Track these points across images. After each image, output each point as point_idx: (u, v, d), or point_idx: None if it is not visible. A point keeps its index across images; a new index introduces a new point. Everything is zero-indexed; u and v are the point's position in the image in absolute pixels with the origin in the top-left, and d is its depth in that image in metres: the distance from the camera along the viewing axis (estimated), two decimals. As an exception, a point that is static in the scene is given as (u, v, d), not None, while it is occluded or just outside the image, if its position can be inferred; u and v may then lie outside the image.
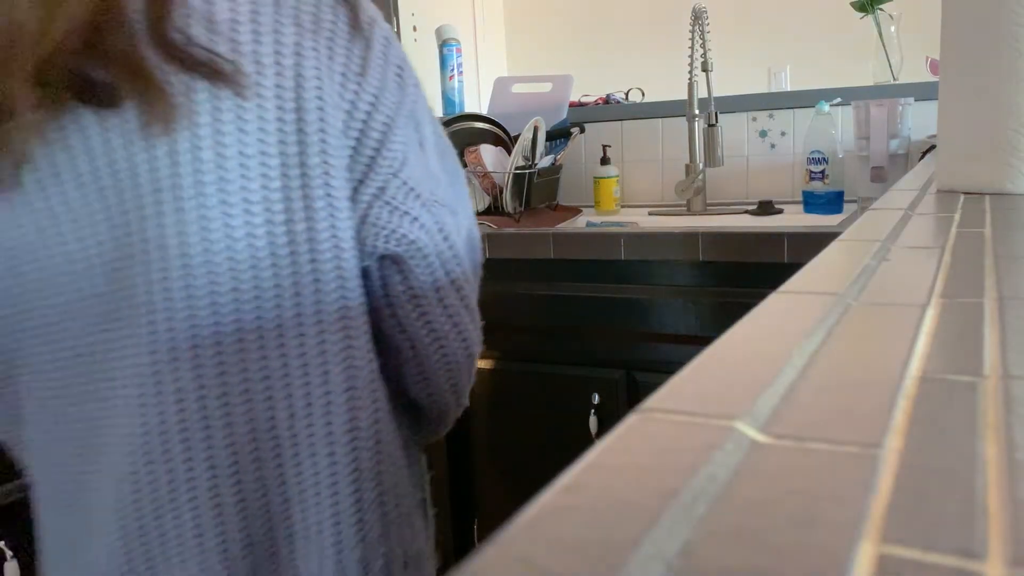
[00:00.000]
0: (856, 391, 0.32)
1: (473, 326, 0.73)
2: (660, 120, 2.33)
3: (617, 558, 0.20)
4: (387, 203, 0.65)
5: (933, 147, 1.80)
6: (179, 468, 0.61)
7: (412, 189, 0.66)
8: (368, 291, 0.66)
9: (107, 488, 0.63)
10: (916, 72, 2.10)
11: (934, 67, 2.03)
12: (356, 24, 0.65)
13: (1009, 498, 0.23)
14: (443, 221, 0.68)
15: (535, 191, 2.08)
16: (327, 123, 0.62)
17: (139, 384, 0.61)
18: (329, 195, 0.62)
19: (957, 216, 0.80)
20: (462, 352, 0.72)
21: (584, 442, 1.68)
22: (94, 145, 0.59)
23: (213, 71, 0.58)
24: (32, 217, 0.61)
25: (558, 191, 2.28)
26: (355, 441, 0.64)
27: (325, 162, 0.62)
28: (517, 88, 2.38)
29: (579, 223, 2.17)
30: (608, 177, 2.29)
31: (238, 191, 0.60)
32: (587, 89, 2.53)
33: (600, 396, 1.69)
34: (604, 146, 2.32)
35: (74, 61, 0.57)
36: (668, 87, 2.44)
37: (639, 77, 2.60)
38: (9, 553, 1.22)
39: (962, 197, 0.95)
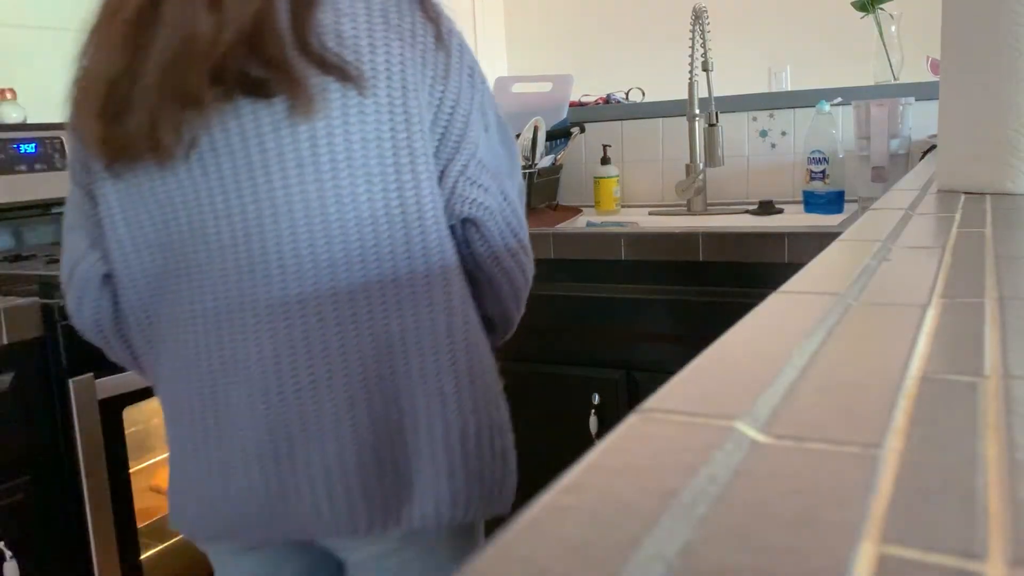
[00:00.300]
0: (856, 391, 0.32)
1: (528, 259, 0.96)
2: (660, 120, 2.33)
3: (617, 558, 0.20)
4: (468, 178, 0.85)
5: (934, 147, 1.80)
6: (320, 371, 0.79)
7: (485, 166, 0.87)
8: (455, 243, 0.87)
9: (245, 395, 0.81)
10: (916, 72, 2.10)
11: (934, 67, 2.02)
12: (439, 37, 0.84)
13: (1009, 498, 0.23)
14: (504, 186, 0.89)
15: (535, 191, 2.08)
16: (423, 118, 0.82)
17: (283, 301, 0.79)
18: (428, 171, 0.82)
19: (958, 216, 0.80)
20: (522, 280, 0.96)
21: (584, 442, 1.68)
22: (247, 128, 0.77)
23: (343, 73, 0.77)
24: (191, 182, 0.79)
25: (558, 191, 2.28)
26: (453, 344, 0.83)
27: (424, 147, 0.82)
28: (517, 88, 2.38)
29: (579, 223, 2.16)
30: (608, 177, 2.29)
31: (361, 166, 0.79)
32: (587, 89, 2.53)
33: (600, 396, 1.69)
34: (604, 146, 2.32)
35: (240, 63, 0.75)
36: (668, 87, 2.44)
37: (639, 77, 2.60)
38: (9, 553, 1.22)
39: (963, 197, 0.95)
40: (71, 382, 1.30)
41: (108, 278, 0.86)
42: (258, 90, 0.76)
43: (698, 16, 2.08)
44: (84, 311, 0.88)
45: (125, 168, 0.81)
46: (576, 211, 2.26)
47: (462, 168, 0.85)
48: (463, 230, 0.88)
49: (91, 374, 1.33)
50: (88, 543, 1.34)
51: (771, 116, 2.21)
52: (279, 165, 0.78)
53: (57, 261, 1.43)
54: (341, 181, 0.78)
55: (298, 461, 0.81)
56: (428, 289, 0.82)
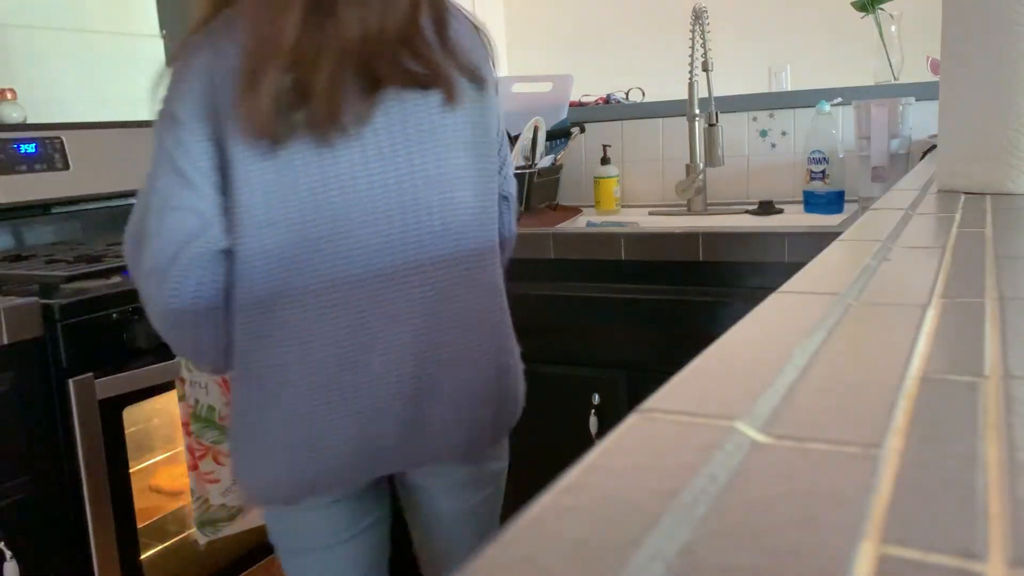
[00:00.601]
0: (856, 391, 0.32)
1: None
2: (660, 120, 2.33)
3: (617, 558, 0.20)
4: (508, 165, 1.13)
5: (934, 147, 1.80)
6: (459, 313, 1.00)
7: (511, 162, 1.15)
8: None
9: (397, 343, 0.96)
10: (917, 72, 2.10)
11: (935, 67, 2.02)
12: (494, 59, 1.07)
13: (1009, 498, 0.23)
14: (512, 169, 1.16)
15: (535, 191, 2.08)
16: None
17: (419, 271, 0.97)
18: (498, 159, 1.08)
19: (958, 216, 0.80)
20: (512, 234, 1.20)
21: (584, 442, 1.68)
22: (407, 112, 0.95)
23: (474, 76, 1.00)
24: (348, 157, 0.92)
25: (558, 191, 2.28)
26: (497, 287, 1.07)
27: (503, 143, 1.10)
28: (517, 88, 2.38)
29: (579, 223, 2.16)
30: (608, 177, 2.29)
31: (484, 150, 1.02)
32: (587, 89, 2.53)
33: (600, 396, 1.69)
34: (604, 146, 2.32)
35: (402, 60, 0.93)
36: (668, 87, 2.44)
37: (639, 77, 2.60)
38: (9, 553, 1.22)
39: (963, 197, 0.95)
40: (71, 382, 1.30)
41: (222, 256, 0.92)
42: (420, 82, 0.94)
43: (698, 16, 2.08)
44: (185, 291, 0.92)
45: (281, 146, 0.89)
46: (576, 211, 2.26)
47: (505, 158, 1.11)
48: (498, 205, 1.10)
49: (91, 374, 1.33)
50: (88, 543, 1.34)
51: (771, 116, 2.21)
52: (432, 144, 0.97)
53: (57, 261, 1.43)
54: (470, 161, 1.00)
55: (438, 391, 0.99)
56: (498, 248, 1.07)
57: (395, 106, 0.94)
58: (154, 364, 1.42)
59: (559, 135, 2.24)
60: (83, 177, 1.83)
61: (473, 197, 1.01)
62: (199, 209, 0.90)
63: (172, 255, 0.91)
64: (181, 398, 1.28)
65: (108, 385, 1.36)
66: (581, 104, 2.47)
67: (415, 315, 0.97)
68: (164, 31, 2.13)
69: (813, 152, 2.01)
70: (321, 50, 0.88)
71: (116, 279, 1.41)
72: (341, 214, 0.93)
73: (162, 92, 0.93)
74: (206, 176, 0.90)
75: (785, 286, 0.52)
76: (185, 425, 1.27)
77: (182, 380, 1.27)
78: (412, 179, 0.95)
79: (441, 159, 0.97)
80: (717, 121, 2.08)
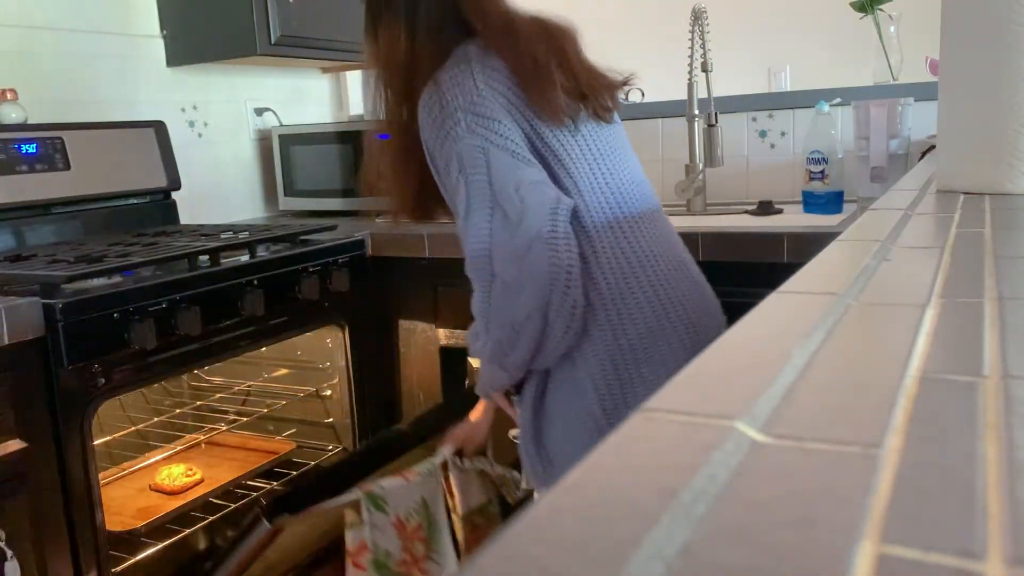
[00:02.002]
0: (856, 391, 0.32)
1: None
2: (660, 120, 2.33)
3: (617, 557, 0.20)
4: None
5: (933, 147, 1.80)
6: (697, 276, 1.24)
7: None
8: None
9: (681, 322, 1.14)
10: (916, 72, 2.10)
11: (934, 67, 2.02)
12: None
13: (1009, 498, 0.23)
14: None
15: (535, 191, 2.08)
16: None
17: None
18: None
19: (957, 216, 0.80)
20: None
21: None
22: (599, 124, 1.20)
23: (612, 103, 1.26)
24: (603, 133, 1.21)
25: (558, 191, 2.28)
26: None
27: None
28: (517, 88, 2.38)
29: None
30: (608, 177, 2.29)
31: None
32: (587, 89, 2.53)
33: (600, 396, 1.68)
34: (604, 146, 2.32)
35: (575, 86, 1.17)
36: (668, 87, 2.44)
37: (639, 77, 2.60)
38: (9, 553, 1.22)
39: (962, 197, 0.95)
40: (71, 382, 1.30)
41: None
42: (598, 108, 1.20)
43: (698, 17, 2.08)
44: (569, 257, 1.03)
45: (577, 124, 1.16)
46: (576, 211, 2.26)
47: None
48: None
49: (91, 374, 1.33)
50: (89, 542, 1.34)
51: (770, 116, 2.21)
52: (610, 145, 1.21)
53: (58, 261, 1.43)
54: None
55: (705, 330, 1.17)
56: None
57: (583, 121, 1.22)
58: (154, 364, 1.42)
59: (559, 135, 2.24)
60: (83, 177, 1.83)
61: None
62: (544, 179, 1.06)
63: (551, 224, 1.02)
64: (351, 526, 1.24)
65: (109, 385, 1.36)
66: (581, 104, 2.47)
67: (692, 301, 1.21)
68: (164, 31, 2.13)
69: (812, 152, 2.01)
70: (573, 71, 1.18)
71: (117, 279, 1.41)
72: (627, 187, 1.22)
73: (435, 113, 1.09)
74: (542, 152, 1.10)
75: (785, 286, 0.52)
76: (354, 561, 1.24)
77: (358, 511, 1.23)
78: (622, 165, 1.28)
79: (623, 155, 1.28)
80: (716, 122, 2.08)
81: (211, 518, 1.67)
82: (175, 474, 1.73)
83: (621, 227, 1.14)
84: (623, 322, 1.10)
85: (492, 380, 1.14)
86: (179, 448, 1.94)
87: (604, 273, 1.10)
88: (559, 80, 1.12)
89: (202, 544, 1.72)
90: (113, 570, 1.44)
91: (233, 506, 1.70)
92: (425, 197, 1.20)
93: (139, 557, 1.54)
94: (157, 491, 1.72)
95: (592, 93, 1.17)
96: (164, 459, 1.87)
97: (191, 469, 1.76)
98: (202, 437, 1.97)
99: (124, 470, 1.80)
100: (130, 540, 1.54)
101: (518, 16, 1.16)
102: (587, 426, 1.10)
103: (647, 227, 1.17)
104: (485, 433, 1.38)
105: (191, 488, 1.72)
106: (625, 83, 1.26)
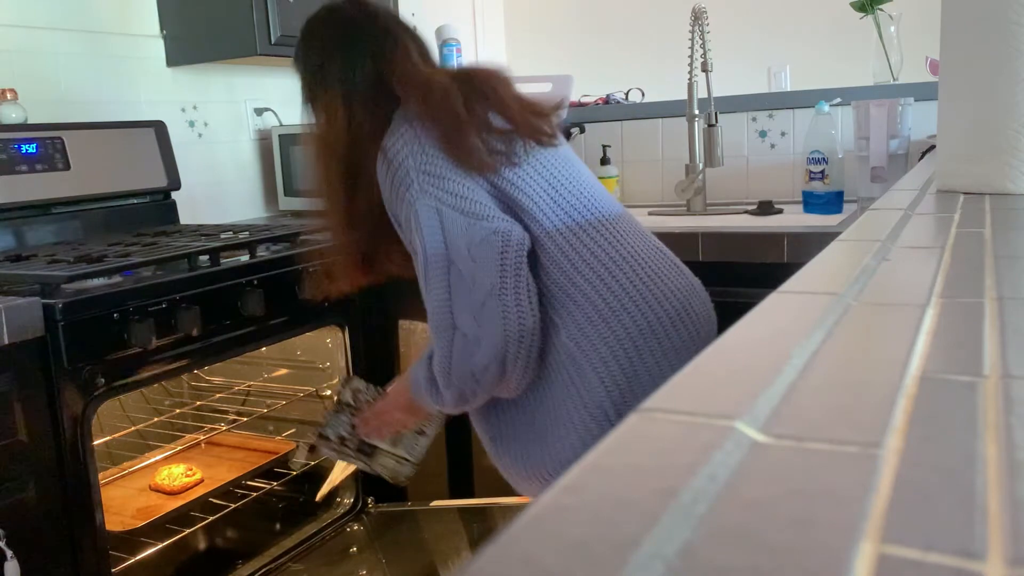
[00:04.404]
0: (856, 391, 0.32)
1: None
2: (660, 120, 2.33)
3: (617, 558, 0.20)
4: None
5: (933, 147, 1.80)
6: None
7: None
8: None
9: (673, 308, 1.18)
10: (916, 72, 2.10)
11: (934, 67, 2.02)
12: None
13: (1009, 498, 0.23)
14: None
15: (535, 191, 2.08)
16: None
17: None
18: None
19: (957, 216, 0.80)
20: None
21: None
22: (544, 148, 1.20)
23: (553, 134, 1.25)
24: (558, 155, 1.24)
25: (558, 191, 2.28)
26: None
27: None
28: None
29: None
30: (608, 177, 2.29)
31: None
32: (587, 89, 2.53)
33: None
34: (604, 146, 2.32)
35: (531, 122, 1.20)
36: (668, 87, 2.44)
37: (639, 77, 2.60)
38: (9, 553, 1.22)
39: (962, 197, 0.95)
40: (72, 382, 1.30)
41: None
42: (545, 137, 1.22)
43: (698, 17, 2.08)
44: (520, 310, 1.07)
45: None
46: (576, 211, 2.26)
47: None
48: None
49: (92, 374, 1.33)
50: (89, 542, 1.34)
51: (771, 116, 2.21)
52: (566, 160, 1.25)
53: (58, 261, 1.43)
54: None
55: (696, 312, 1.21)
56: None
57: (533, 149, 1.25)
58: (154, 364, 1.42)
59: (559, 135, 2.24)
60: (83, 177, 1.83)
61: None
62: (496, 227, 1.08)
63: (500, 276, 1.07)
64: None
65: (109, 385, 1.36)
66: (581, 104, 2.47)
67: (699, 313, 1.30)
68: (164, 31, 2.13)
69: (812, 152, 2.01)
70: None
71: (117, 279, 1.41)
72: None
73: (388, 177, 1.13)
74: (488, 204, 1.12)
75: (784, 286, 0.52)
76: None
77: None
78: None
79: (579, 167, 1.35)
80: (716, 121, 2.08)
81: (211, 518, 1.67)
82: (175, 474, 1.73)
83: (591, 230, 1.18)
84: (617, 315, 1.13)
85: (437, 401, 1.17)
86: (179, 448, 1.94)
87: (585, 275, 1.14)
88: (486, 126, 1.14)
89: (202, 544, 1.73)
90: (113, 570, 1.44)
91: (233, 506, 1.70)
92: (371, 262, 1.25)
93: (139, 557, 1.54)
94: (157, 491, 1.72)
95: (528, 125, 1.19)
96: (164, 459, 1.87)
97: (191, 469, 1.76)
98: (202, 437, 1.97)
99: (124, 470, 1.80)
100: (130, 540, 1.54)
101: (435, 77, 1.18)
102: (600, 423, 1.11)
103: (619, 226, 1.21)
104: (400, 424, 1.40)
105: (191, 488, 1.72)
106: (558, 107, 1.28)
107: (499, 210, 1.12)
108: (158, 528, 1.58)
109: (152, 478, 1.75)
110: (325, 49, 1.21)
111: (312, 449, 1.46)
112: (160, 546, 1.57)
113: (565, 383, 1.13)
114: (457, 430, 1.86)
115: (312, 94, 1.23)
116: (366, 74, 1.18)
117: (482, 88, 1.18)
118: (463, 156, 1.13)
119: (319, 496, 1.64)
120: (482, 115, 1.15)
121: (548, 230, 1.15)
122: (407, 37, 1.23)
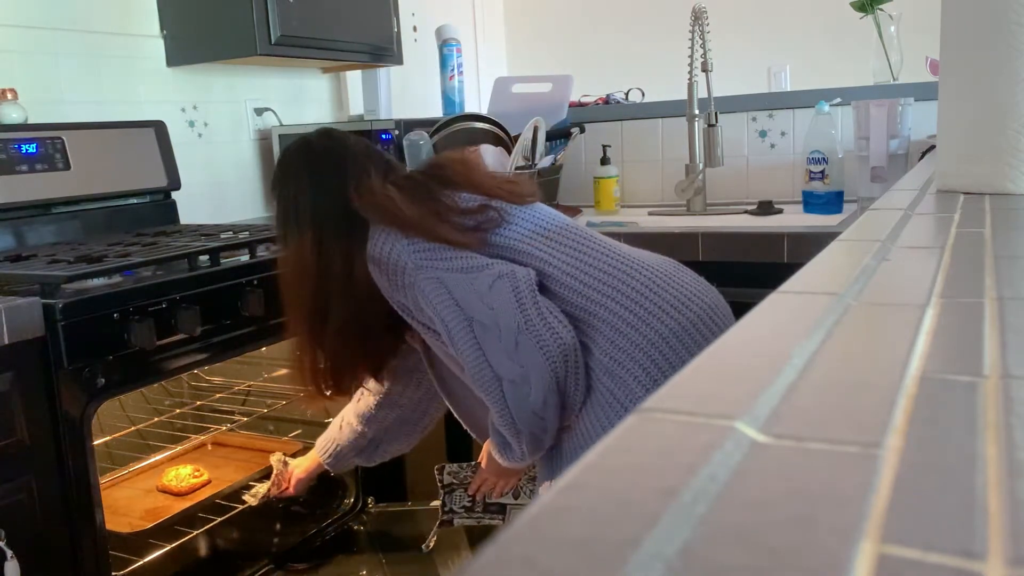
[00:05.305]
0: (856, 391, 0.32)
1: None
2: (660, 120, 2.33)
3: (617, 558, 0.20)
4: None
5: (933, 147, 1.80)
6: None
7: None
8: None
9: (698, 307, 1.21)
10: (916, 72, 2.10)
11: (934, 67, 2.02)
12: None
13: (1009, 498, 0.23)
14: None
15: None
16: None
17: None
18: None
19: (957, 216, 0.80)
20: None
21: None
22: (521, 208, 1.26)
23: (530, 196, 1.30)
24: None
25: (558, 191, 2.28)
26: None
27: None
28: (517, 88, 2.38)
29: (579, 223, 2.16)
30: (608, 177, 2.29)
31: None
32: (587, 89, 2.53)
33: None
34: (604, 146, 2.32)
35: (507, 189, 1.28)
36: (668, 87, 2.44)
37: (639, 77, 2.60)
38: (9, 553, 1.22)
39: (962, 197, 0.95)
40: (72, 382, 1.30)
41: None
42: (524, 198, 1.27)
43: (698, 16, 2.08)
44: (552, 334, 1.10)
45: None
46: (576, 211, 2.26)
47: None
48: None
49: (92, 374, 1.33)
50: (89, 542, 1.34)
51: (771, 116, 2.21)
52: (553, 218, 1.28)
53: (58, 261, 1.43)
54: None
55: (719, 310, 1.23)
56: None
57: (511, 208, 1.31)
58: (154, 364, 1.42)
59: (559, 135, 2.24)
60: (83, 177, 1.83)
61: None
62: (499, 271, 1.13)
63: (520, 312, 1.10)
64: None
65: (109, 385, 1.36)
66: (581, 104, 2.47)
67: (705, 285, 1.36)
68: (164, 31, 2.13)
69: (812, 152, 2.01)
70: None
71: (117, 279, 1.41)
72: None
73: (384, 277, 1.18)
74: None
75: (784, 286, 0.52)
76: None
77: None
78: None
79: (566, 220, 1.39)
80: (716, 121, 2.08)
81: (218, 519, 1.67)
82: (183, 475, 1.73)
83: (593, 252, 1.22)
84: (645, 321, 1.16)
85: (517, 458, 1.21)
86: (183, 448, 1.93)
87: (602, 292, 1.17)
88: (455, 210, 1.19)
89: (204, 545, 1.72)
90: (121, 572, 1.44)
91: (240, 508, 1.69)
92: (338, 378, 1.30)
93: (147, 559, 1.54)
94: (164, 492, 1.72)
95: (505, 191, 1.25)
96: (171, 460, 1.87)
97: (198, 470, 1.76)
98: (207, 438, 1.97)
99: (130, 470, 1.80)
100: (137, 541, 1.54)
101: (395, 192, 1.21)
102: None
103: (619, 246, 1.26)
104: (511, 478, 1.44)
105: (199, 489, 1.71)
106: (529, 167, 1.34)
107: (496, 260, 1.17)
108: (165, 529, 1.58)
109: (159, 479, 1.75)
110: (299, 181, 1.26)
111: (441, 524, 1.55)
112: (168, 548, 1.57)
113: (607, 397, 1.15)
114: (457, 430, 1.87)
115: (284, 230, 1.27)
116: (336, 205, 1.22)
117: (452, 177, 1.24)
118: (449, 241, 1.17)
119: (256, 503, 1.65)
120: (449, 202, 1.20)
121: (551, 263, 1.19)
122: (372, 163, 1.27)
